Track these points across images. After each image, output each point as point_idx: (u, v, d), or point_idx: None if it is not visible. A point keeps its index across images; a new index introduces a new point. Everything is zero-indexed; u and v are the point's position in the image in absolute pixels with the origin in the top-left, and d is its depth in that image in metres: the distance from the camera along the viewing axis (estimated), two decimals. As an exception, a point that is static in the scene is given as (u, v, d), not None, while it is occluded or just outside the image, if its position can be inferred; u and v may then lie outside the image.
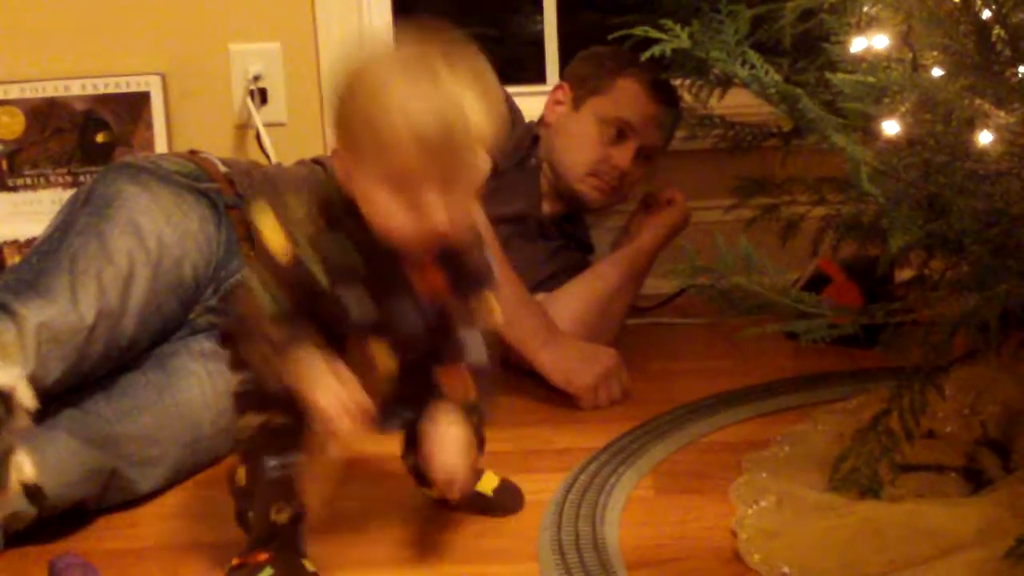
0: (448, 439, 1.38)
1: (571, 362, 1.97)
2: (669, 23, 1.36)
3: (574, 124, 2.22)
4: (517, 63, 2.81)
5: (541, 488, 1.65)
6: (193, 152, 1.99)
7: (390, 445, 1.58)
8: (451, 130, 1.23)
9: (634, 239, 2.24)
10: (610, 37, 1.68)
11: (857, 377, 2.00)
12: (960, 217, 1.09)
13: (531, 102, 2.37)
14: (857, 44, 1.34)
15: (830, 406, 1.89)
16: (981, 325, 1.29)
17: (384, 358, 1.37)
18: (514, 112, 2.23)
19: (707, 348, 2.28)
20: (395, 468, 1.61)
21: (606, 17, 2.04)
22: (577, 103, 2.23)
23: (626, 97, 2.17)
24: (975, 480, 1.62)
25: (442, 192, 1.26)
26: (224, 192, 1.90)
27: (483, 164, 1.32)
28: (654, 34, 1.35)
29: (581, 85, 2.24)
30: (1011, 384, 1.74)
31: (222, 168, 1.96)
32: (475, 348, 1.43)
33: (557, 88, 2.32)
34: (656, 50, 1.36)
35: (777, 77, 1.26)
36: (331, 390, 1.27)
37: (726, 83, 1.42)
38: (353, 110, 1.27)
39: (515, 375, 2.02)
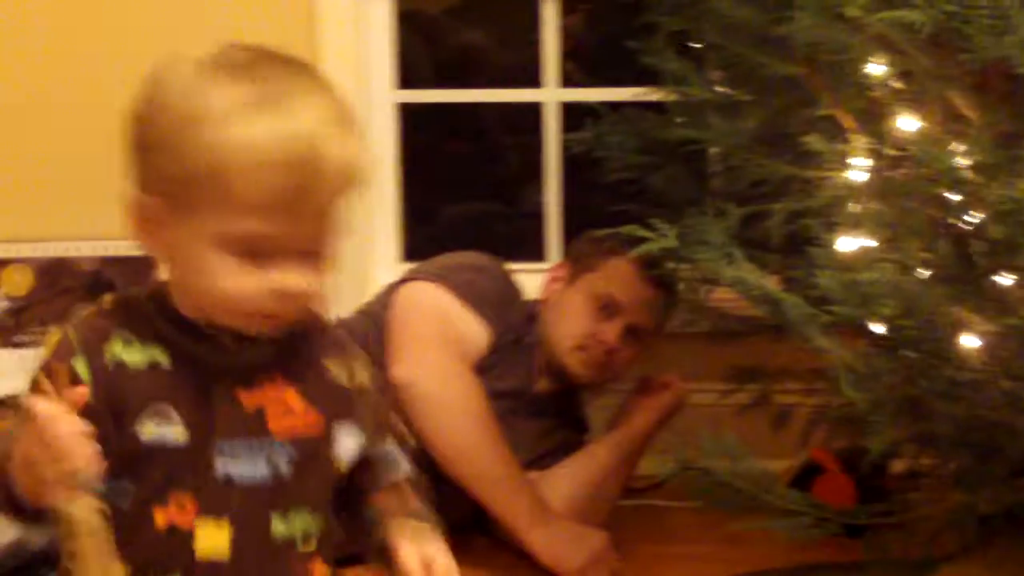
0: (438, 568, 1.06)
1: (561, 543, 1.96)
2: (658, 222, 1.41)
3: (566, 299, 2.25)
4: (519, 240, 2.86)
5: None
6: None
7: None
8: (315, 167, 0.95)
9: (628, 421, 2.25)
10: (598, 234, 1.69)
11: (847, 569, 1.99)
12: (941, 422, 1.11)
13: (531, 279, 2.41)
14: (844, 243, 1.38)
15: (818, 598, 1.88)
16: (962, 527, 1.29)
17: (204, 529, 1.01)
18: (514, 288, 2.27)
19: (699, 532, 2.26)
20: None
21: (608, 201, 2.10)
22: (572, 280, 2.27)
23: (617, 276, 2.18)
24: None
25: (303, 249, 0.97)
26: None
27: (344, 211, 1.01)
28: (642, 233, 1.39)
29: (577, 263, 2.28)
30: (999, 584, 1.74)
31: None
32: (399, 459, 1.14)
33: (556, 267, 2.36)
34: (643, 249, 1.40)
35: (762, 279, 1.30)
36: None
37: (714, 280, 1.46)
38: (174, 143, 0.96)
39: (505, 552, 2.02)
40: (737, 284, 1.31)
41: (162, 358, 1.00)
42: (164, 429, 0.99)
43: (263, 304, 0.97)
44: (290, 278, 0.96)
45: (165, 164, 0.96)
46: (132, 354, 0.99)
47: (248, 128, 0.94)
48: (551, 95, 2.70)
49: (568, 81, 2.72)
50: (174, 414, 1.00)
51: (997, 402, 1.05)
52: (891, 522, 1.53)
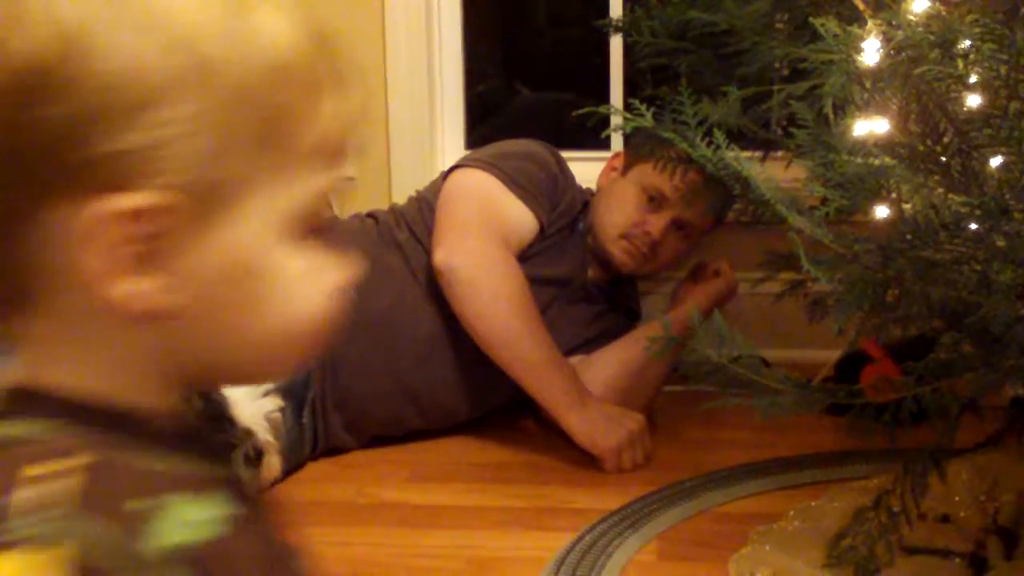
0: None
1: (597, 424, 2.01)
2: (636, 102, 1.41)
3: (617, 188, 2.27)
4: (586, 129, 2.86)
5: (547, 546, 1.69)
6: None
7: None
8: None
9: (676, 307, 2.27)
10: (573, 114, 1.69)
11: (886, 455, 1.99)
12: (916, 303, 1.12)
13: (597, 168, 2.42)
14: (858, 128, 1.37)
15: (849, 483, 1.89)
16: (942, 412, 1.30)
17: None
18: (566, 176, 2.29)
19: (745, 419, 2.27)
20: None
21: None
22: (626, 170, 2.28)
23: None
24: (979, 567, 1.62)
25: None
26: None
27: None
28: (616, 113, 1.39)
29: (632, 152, 2.29)
30: (1028, 472, 1.73)
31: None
32: None
33: (614, 156, 2.38)
34: (617, 128, 1.41)
35: (732, 155, 1.30)
36: None
37: (688, 162, 1.45)
38: None
39: (544, 433, 2.07)
40: (707, 163, 1.31)
41: None
42: None
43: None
44: None
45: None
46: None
47: None
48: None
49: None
50: None
51: (970, 282, 1.05)
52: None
